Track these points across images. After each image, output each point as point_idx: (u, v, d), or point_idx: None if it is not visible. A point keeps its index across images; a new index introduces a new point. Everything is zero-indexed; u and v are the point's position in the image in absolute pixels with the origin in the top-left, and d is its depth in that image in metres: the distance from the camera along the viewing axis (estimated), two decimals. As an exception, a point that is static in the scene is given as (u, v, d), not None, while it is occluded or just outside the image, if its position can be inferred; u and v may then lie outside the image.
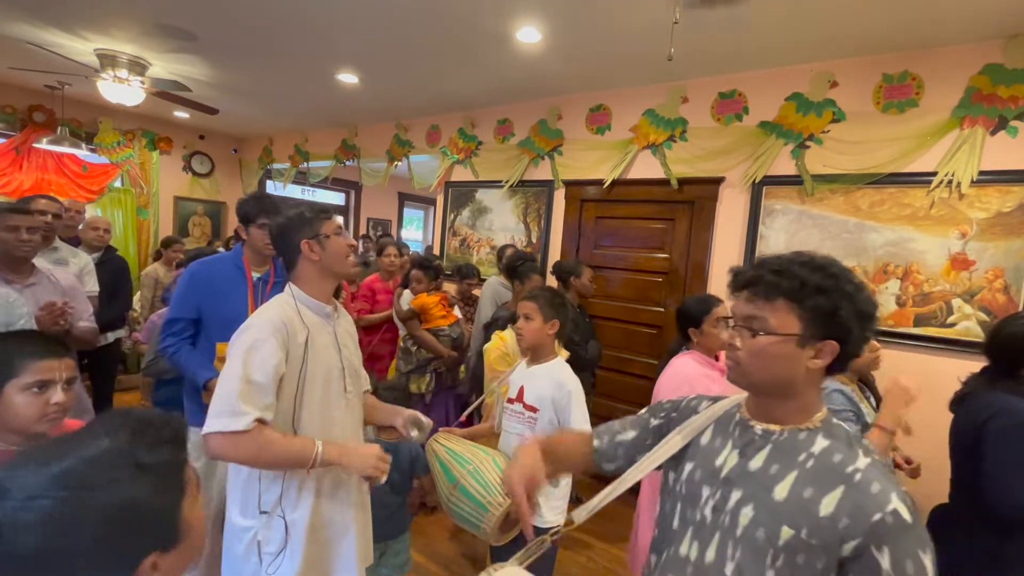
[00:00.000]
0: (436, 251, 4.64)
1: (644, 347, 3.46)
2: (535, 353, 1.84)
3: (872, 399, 1.78)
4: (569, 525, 1.02)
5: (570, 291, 2.97)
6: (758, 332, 0.84)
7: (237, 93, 4.53)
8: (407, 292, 3.22)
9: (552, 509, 1.76)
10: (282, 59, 3.58)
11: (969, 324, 2.43)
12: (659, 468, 1.02)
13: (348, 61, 3.51)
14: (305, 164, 5.76)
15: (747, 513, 0.83)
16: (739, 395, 0.97)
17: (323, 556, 1.42)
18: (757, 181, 2.95)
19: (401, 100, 4.27)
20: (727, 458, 0.90)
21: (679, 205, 3.30)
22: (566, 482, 1.81)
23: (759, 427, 0.89)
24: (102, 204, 5.50)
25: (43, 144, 4.52)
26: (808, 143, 2.81)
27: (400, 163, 4.90)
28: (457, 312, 3.35)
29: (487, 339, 2.54)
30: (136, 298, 4.37)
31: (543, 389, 1.76)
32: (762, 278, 0.85)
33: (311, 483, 1.37)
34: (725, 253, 3.10)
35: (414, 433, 1.57)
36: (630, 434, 1.07)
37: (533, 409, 1.77)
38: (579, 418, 1.73)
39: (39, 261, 2.15)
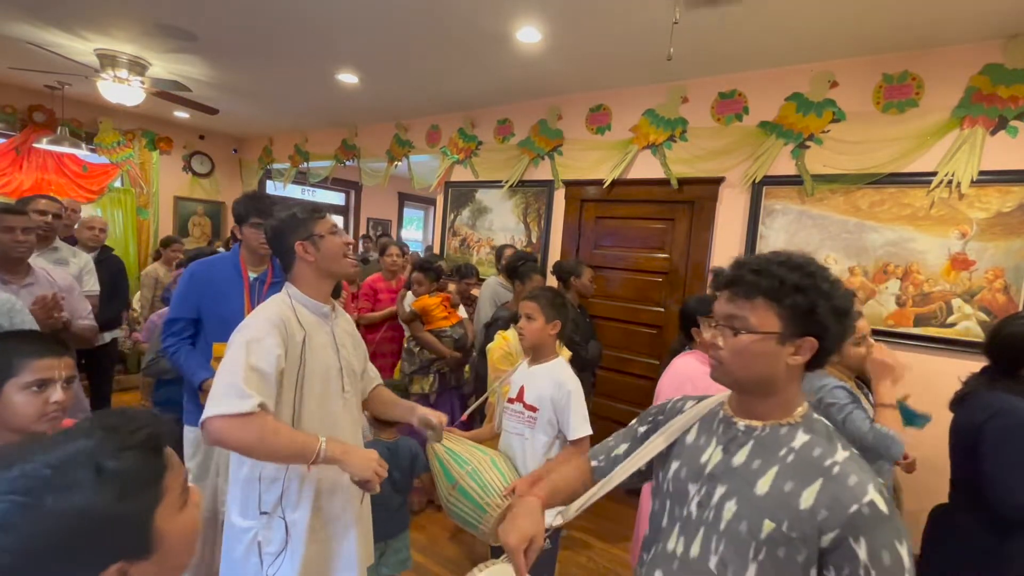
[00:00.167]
0: (436, 251, 4.64)
1: (644, 347, 3.46)
2: (536, 353, 1.84)
3: (870, 396, 1.78)
4: (561, 528, 1.03)
5: (570, 291, 2.97)
6: (739, 331, 0.86)
7: (237, 93, 4.53)
8: (409, 294, 3.23)
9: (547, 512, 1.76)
10: (282, 59, 3.58)
11: (969, 324, 2.43)
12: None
13: (348, 61, 3.51)
14: (305, 164, 5.76)
15: (730, 508, 0.85)
16: (724, 393, 0.99)
17: (324, 556, 1.41)
18: (757, 181, 2.95)
19: (401, 100, 4.27)
20: (712, 455, 0.92)
21: (679, 205, 3.30)
22: None
23: (742, 423, 0.91)
24: (102, 204, 5.50)
25: (43, 144, 4.52)
26: (808, 143, 2.81)
27: (400, 163, 4.90)
28: (462, 312, 3.36)
29: (488, 338, 2.55)
30: (136, 298, 4.37)
31: (543, 389, 1.76)
32: (742, 278, 0.87)
33: (311, 483, 1.37)
34: (725, 253, 3.09)
35: (429, 432, 1.57)
36: (623, 447, 1.10)
37: (533, 409, 1.77)
38: (578, 418, 1.73)
39: (37, 260, 2.15)
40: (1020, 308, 2.31)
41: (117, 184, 5.66)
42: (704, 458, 0.93)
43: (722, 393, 0.99)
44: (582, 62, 3.13)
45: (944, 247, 2.49)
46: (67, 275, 2.27)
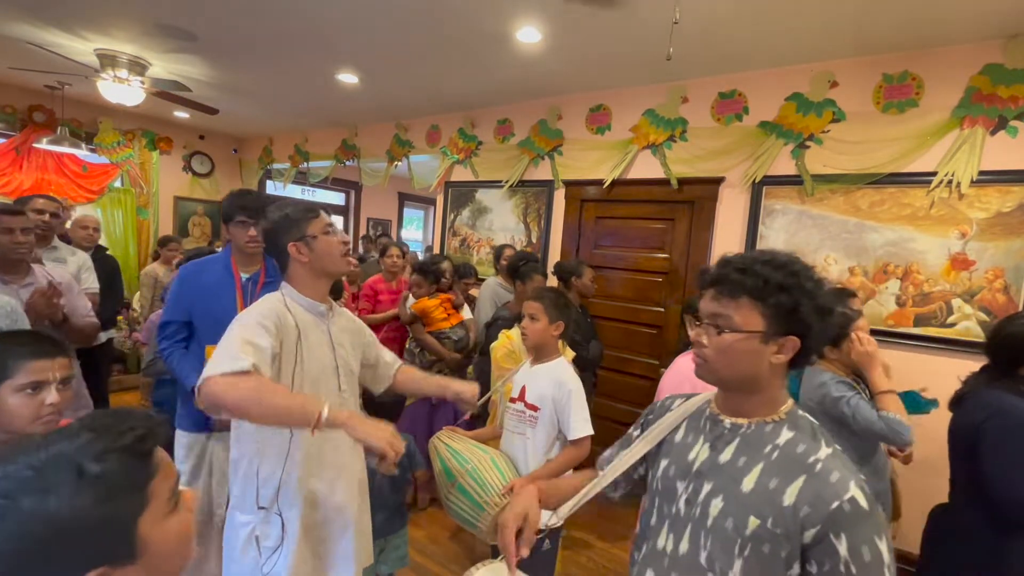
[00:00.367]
0: (436, 251, 4.64)
1: (644, 347, 3.46)
2: (539, 353, 1.85)
3: (867, 392, 1.79)
4: (562, 528, 1.04)
5: (571, 291, 2.96)
6: (724, 329, 0.87)
7: (237, 93, 4.53)
8: (410, 296, 3.23)
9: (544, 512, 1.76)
10: (282, 59, 3.58)
11: (969, 324, 2.43)
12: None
13: (348, 61, 3.51)
14: (305, 164, 5.76)
15: (717, 504, 0.86)
16: (711, 391, 1.00)
17: (320, 554, 1.42)
18: (757, 181, 2.95)
19: (401, 100, 4.27)
20: (699, 452, 0.93)
21: (679, 205, 3.30)
22: None
23: (728, 421, 0.92)
24: (102, 204, 5.49)
25: (43, 144, 4.52)
26: (808, 143, 2.82)
27: (400, 163, 4.90)
28: (466, 312, 3.35)
29: (489, 338, 2.55)
30: (136, 298, 4.38)
31: (544, 388, 1.77)
32: (727, 276, 0.87)
33: (309, 482, 1.38)
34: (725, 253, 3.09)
35: (464, 405, 1.55)
36: (623, 455, 1.10)
37: (534, 408, 1.77)
38: (578, 417, 1.73)
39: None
40: (1020, 308, 2.31)
41: (117, 184, 5.66)
42: (692, 456, 0.93)
43: (709, 391, 1.00)
44: (582, 62, 3.13)
45: (944, 247, 2.49)
46: (66, 273, 2.27)
